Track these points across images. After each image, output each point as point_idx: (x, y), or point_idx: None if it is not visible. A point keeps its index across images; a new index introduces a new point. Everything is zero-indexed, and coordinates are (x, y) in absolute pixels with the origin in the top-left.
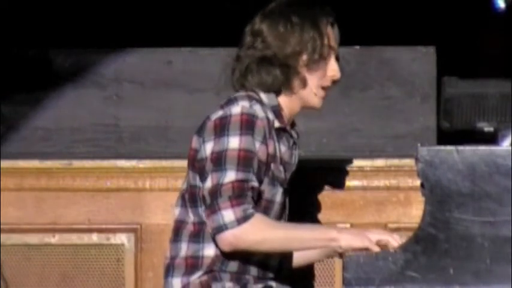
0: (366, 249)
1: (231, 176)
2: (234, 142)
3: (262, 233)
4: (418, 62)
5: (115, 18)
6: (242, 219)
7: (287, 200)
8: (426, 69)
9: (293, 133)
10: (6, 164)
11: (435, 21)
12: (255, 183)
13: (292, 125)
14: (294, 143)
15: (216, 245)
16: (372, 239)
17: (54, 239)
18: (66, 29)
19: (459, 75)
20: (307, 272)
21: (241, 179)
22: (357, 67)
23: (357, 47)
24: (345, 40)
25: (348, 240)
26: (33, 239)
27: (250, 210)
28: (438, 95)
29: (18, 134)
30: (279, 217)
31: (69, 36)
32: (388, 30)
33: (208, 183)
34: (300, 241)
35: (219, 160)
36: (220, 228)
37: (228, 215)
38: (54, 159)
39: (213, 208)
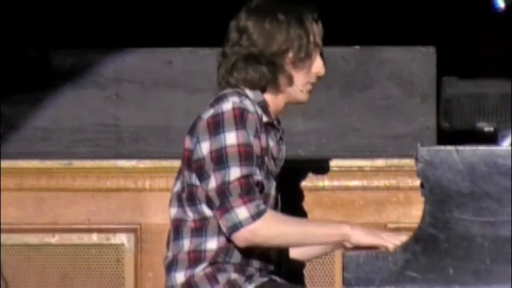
0: (373, 247)
1: (235, 172)
2: (231, 138)
3: (276, 228)
4: (418, 62)
5: (115, 18)
6: (256, 215)
7: (279, 195)
8: (426, 69)
9: (280, 128)
10: (6, 164)
11: (435, 21)
12: (259, 177)
13: (278, 121)
14: (281, 138)
15: (219, 238)
16: (386, 237)
17: (54, 239)
18: (66, 29)
19: (459, 75)
20: (307, 272)
21: (246, 174)
22: (356, 67)
23: (357, 47)
24: (345, 40)
25: (360, 236)
26: (33, 239)
27: (263, 206)
28: (438, 95)
29: (18, 134)
30: None
31: (69, 36)
32: (388, 30)
33: (213, 184)
34: (313, 236)
35: (219, 158)
36: (236, 227)
37: (241, 212)
38: (54, 159)
39: (224, 208)
